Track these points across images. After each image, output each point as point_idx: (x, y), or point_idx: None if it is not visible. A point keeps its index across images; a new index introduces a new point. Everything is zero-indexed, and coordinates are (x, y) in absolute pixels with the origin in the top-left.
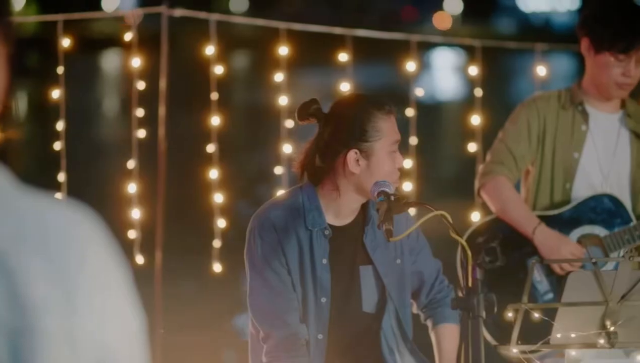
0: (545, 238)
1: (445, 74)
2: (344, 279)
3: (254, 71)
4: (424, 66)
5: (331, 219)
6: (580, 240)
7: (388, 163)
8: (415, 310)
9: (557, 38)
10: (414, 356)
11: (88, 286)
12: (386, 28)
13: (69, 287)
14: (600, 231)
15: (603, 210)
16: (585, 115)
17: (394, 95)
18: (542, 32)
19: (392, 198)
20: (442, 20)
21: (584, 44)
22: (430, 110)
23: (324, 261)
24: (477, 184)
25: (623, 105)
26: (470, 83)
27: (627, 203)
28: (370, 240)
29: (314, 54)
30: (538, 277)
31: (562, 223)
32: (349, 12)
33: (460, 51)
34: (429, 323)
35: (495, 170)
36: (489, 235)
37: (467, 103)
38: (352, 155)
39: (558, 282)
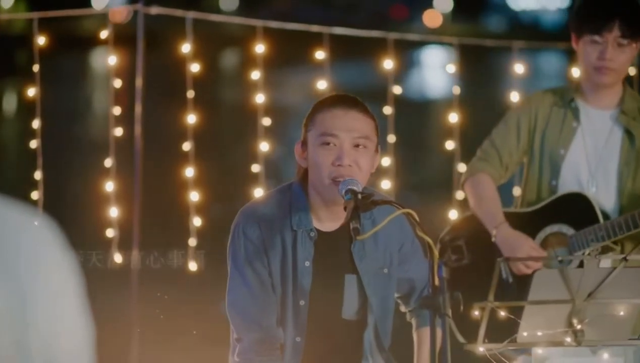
0: (504, 237)
1: (428, 72)
2: (327, 285)
3: (231, 69)
4: (408, 64)
5: (318, 223)
6: (548, 239)
7: (315, 155)
8: (402, 309)
9: (547, 36)
10: None
11: (42, 295)
12: (376, 27)
13: (23, 296)
14: (567, 230)
15: (571, 209)
16: (576, 112)
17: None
18: (531, 30)
19: (360, 196)
20: (432, 18)
21: (573, 39)
22: (411, 108)
23: (307, 263)
24: (462, 179)
25: (622, 101)
26: (454, 81)
27: (611, 199)
28: (358, 249)
29: (291, 52)
30: (504, 274)
31: (532, 221)
32: (338, 10)
33: (446, 49)
34: (413, 322)
35: (478, 167)
36: (456, 233)
37: (450, 101)
38: (297, 147)
39: (519, 282)
